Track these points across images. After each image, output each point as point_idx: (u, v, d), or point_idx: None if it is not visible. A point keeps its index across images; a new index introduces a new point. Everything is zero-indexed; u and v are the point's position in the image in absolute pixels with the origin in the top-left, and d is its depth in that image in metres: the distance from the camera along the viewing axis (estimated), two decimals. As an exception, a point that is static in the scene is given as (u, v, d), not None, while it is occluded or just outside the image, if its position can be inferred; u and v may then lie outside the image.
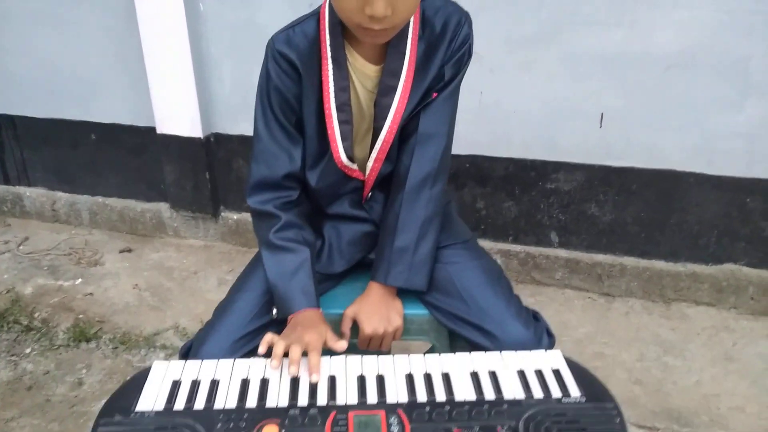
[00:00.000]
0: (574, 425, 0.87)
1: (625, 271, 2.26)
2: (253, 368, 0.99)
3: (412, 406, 0.91)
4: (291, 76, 1.11)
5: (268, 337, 1.02)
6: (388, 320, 1.17)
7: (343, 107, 1.13)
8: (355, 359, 1.01)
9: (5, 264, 2.60)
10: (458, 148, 1.25)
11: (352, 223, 1.28)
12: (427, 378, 0.97)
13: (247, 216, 2.61)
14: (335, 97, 1.12)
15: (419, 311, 1.23)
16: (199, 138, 2.52)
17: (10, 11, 2.58)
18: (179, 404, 0.91)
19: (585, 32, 1.99)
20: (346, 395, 0.93)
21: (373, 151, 1.18)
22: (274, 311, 1.16)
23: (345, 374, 0.98)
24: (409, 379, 0.96)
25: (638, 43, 1.95)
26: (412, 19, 1.09)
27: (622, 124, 2.08)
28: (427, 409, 0.90)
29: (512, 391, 0.94)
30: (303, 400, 0.92)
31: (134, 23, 2.38)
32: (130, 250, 2.70)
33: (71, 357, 2.05)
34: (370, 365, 1.00)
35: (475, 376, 0.97)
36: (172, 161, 2.62)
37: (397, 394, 0.93)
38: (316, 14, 1.12)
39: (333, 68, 1.10)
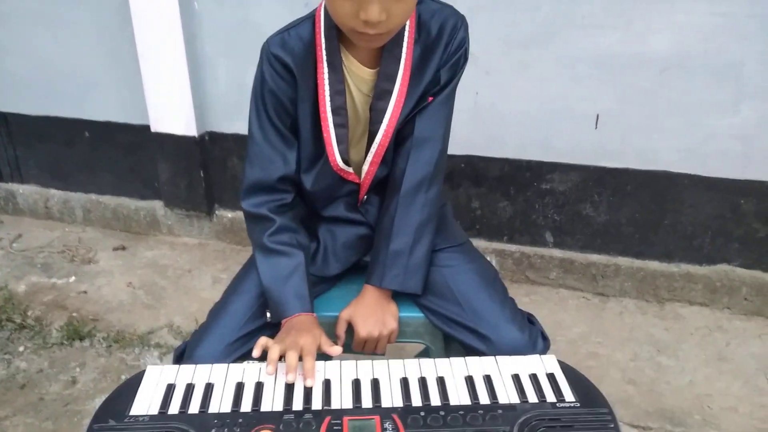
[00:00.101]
0: (568, 430, 0.88)
1: (619, 271, 2.27)
2: (248, 372, 0.99)
3: (407, 410, 0.91)
4: (286, 79, 1.10)
5: (262, 341, 1.02)
6: (383, 323, 1.17)
7: (339, 111, 1.12)
8: (349, 363, 1.01)
9: (-2, 261, 2.59)
10: (454, 148, 1.25)
11: (347, 226, 1.28)
12: (422, 382, 0.97)
13: (241, 214, 2.61)
14: (331, 100, 1.11)
15: (414, 314, 1.23)
16: (194, 136, 2.51)
17: (5, 10, 2.57)
18: (173, 409, 0.91)
19: (581, 34, 1.99)
20: (341, 400, 0.93)
21: (369, 155, 1.18)
22: (268, 315, 1.16)
23: (340, 378, 0.98)
24: (404, 383, 0.96)
25: (634, 45, 1.96)
26: (408, 23, 1.09)
27: (617, 125, 2.08)
28: (422, 413, 0.90)
29: (507, 395, 0.94)
30: (298, 404, 0.92)
31: (128, 21, 2.37)
32: (124, 248, 2.69)
33: (65, 355, 2.04)
34: (365, 369, 1.00)
35: (470, 381, 0.97)
36: (166, 159, 2.61)
37: (392, 398, 0.93)
38: (311, 17, 1.11)
39: (328, 71, 1.10)
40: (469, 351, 1.16)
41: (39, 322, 2.20)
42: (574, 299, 2.31)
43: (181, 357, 1.20)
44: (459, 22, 1.12)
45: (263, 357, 1.00)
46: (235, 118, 2.49)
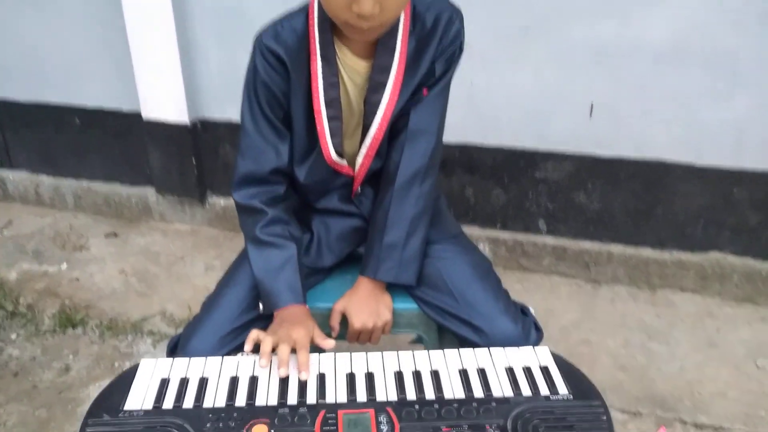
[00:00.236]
0: (561, 423, 0.89)
1: (611, 259, 2.28)
2: (242, 366, 0.99)
3: (401, 404, 0.92)
4: (279, 71, 1.09)
5: (254, 334, 1.02)
6: (378, 314, 1.18)
7: (333, 103, 1.12)
8: (344, 357, 1.02)
9: (-12, 248, 2.58)
10: (448, 136, 1.24)
11: (341, 218, 1.28)
12: (417, 375, 0.97)
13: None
14: (324, 93, 1.10)
15: (408, 305, 1.24)
16: (185, 123, 2.49)
17: (-7, -6, 2.53)
18: (168, 403, 0.91)
19: (576, 23, 1.98)
20: (336, 393, 0.94)
21: (363, 147, 1.17)
22: (261, 306, 1.16)
23: (334, 372, 0.98)
24: (399, 376, 0.97)
25: (628, 34, 1.95)
26: (402, 15, 1.08)
27: (612, 114, 2.08)
28: (416, 407, 0.91)
29: (501, 388, 0.95)
30: (292, 398, 0.92)
31: (119, 6, 2.34)
32: (115, 235, 2.68)
33: (58, 343, 2.04)
34: (359, 363, 1.00)
35: (464, 374, 0.98)
36: (157, 146, 2.59)
37: (386, 392, 0.94)
38: (304, 9, 1.10)
39: (322, 64, 1.09)
40: (462, 342, 1.17)
41: (31, 309, 2.19)
42: (567, 286, 2.32)
43: (174, 349, 1.19)
44: (454, 15, 1.11)
45: (257, 349, 1.00)
46: (227, 104, 2.47)
